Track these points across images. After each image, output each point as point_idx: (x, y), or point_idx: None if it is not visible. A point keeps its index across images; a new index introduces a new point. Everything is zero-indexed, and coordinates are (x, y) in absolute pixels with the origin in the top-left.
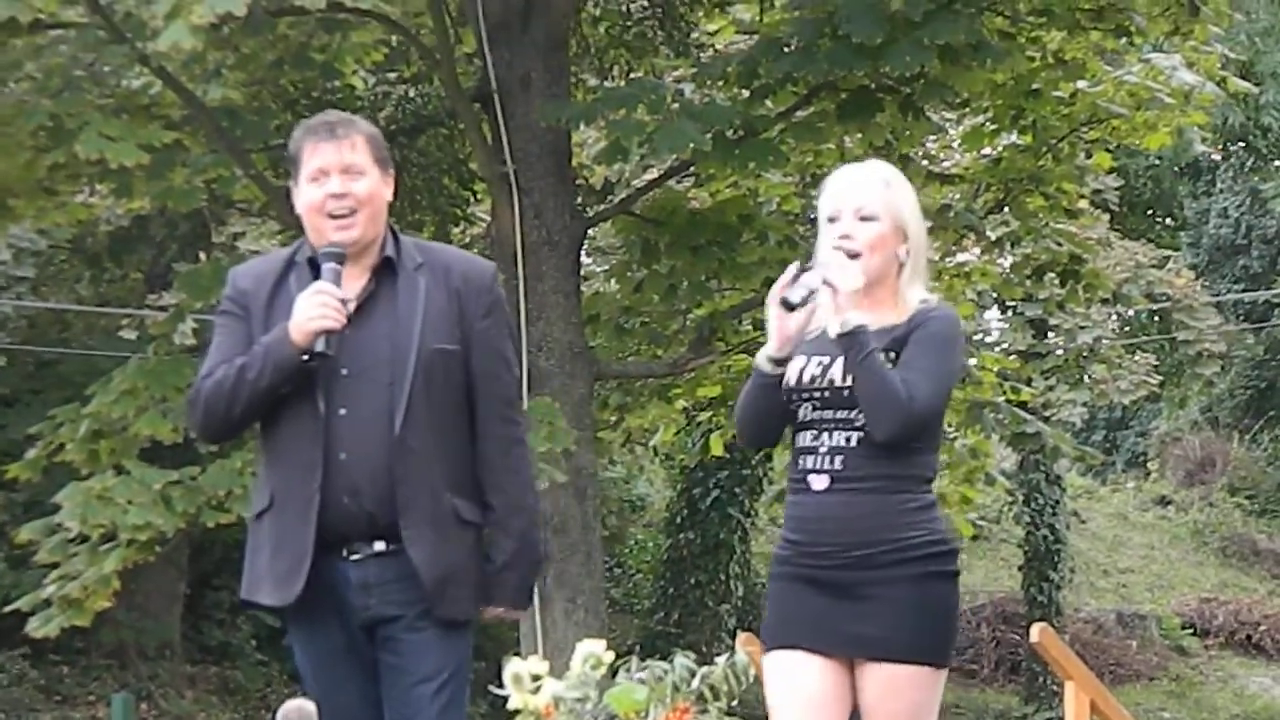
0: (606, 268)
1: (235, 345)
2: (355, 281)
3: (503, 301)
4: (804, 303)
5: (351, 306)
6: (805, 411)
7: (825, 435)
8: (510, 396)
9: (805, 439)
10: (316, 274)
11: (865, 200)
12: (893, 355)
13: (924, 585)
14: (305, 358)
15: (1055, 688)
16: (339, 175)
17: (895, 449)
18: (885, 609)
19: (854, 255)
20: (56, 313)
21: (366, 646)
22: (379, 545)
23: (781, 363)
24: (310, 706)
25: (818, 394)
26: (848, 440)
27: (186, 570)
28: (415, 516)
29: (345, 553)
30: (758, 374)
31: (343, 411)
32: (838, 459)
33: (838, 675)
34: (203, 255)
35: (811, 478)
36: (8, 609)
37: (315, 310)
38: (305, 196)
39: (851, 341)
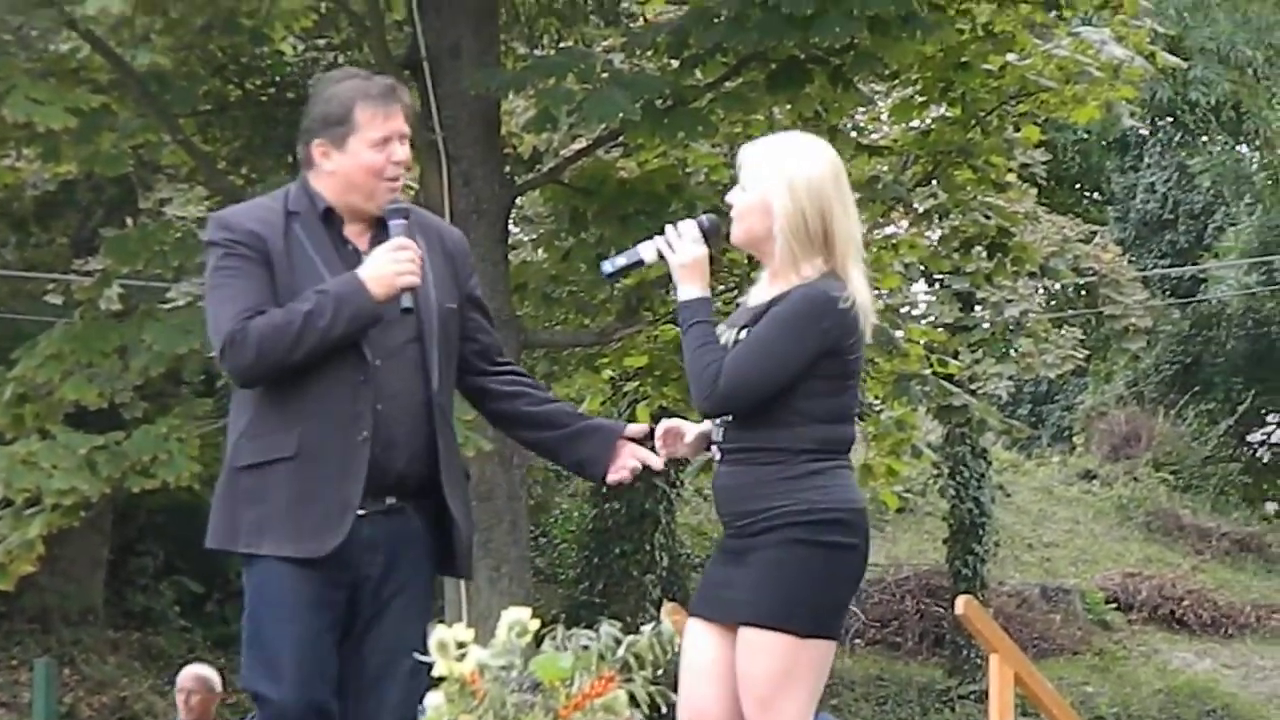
0: (534, 237)
1: (262, 288)
2: (358, 237)
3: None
4: (620, 272)
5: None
6: None
7: None
8: (500, 347)
9: None
10: (330, 226)
11: (744, 168)
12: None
13: (787, 551)
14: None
15: (979, 661)
16: (398, 142)
17: (760, 422)
18: (751, 575)
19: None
20: None
21: (346, 609)
22: (389, 500)
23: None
24: (209, 673)
25: None
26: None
27: (110, 536)
28: (451, 471)
29: (359, 507)
30: None
31: (378, 363)
32: (722, 431)
33: (726, 642)
34: (129, 220)
35: (714, 448)
36: None
37: (403, 266)
38: (364, 159)
39: (678, 314)
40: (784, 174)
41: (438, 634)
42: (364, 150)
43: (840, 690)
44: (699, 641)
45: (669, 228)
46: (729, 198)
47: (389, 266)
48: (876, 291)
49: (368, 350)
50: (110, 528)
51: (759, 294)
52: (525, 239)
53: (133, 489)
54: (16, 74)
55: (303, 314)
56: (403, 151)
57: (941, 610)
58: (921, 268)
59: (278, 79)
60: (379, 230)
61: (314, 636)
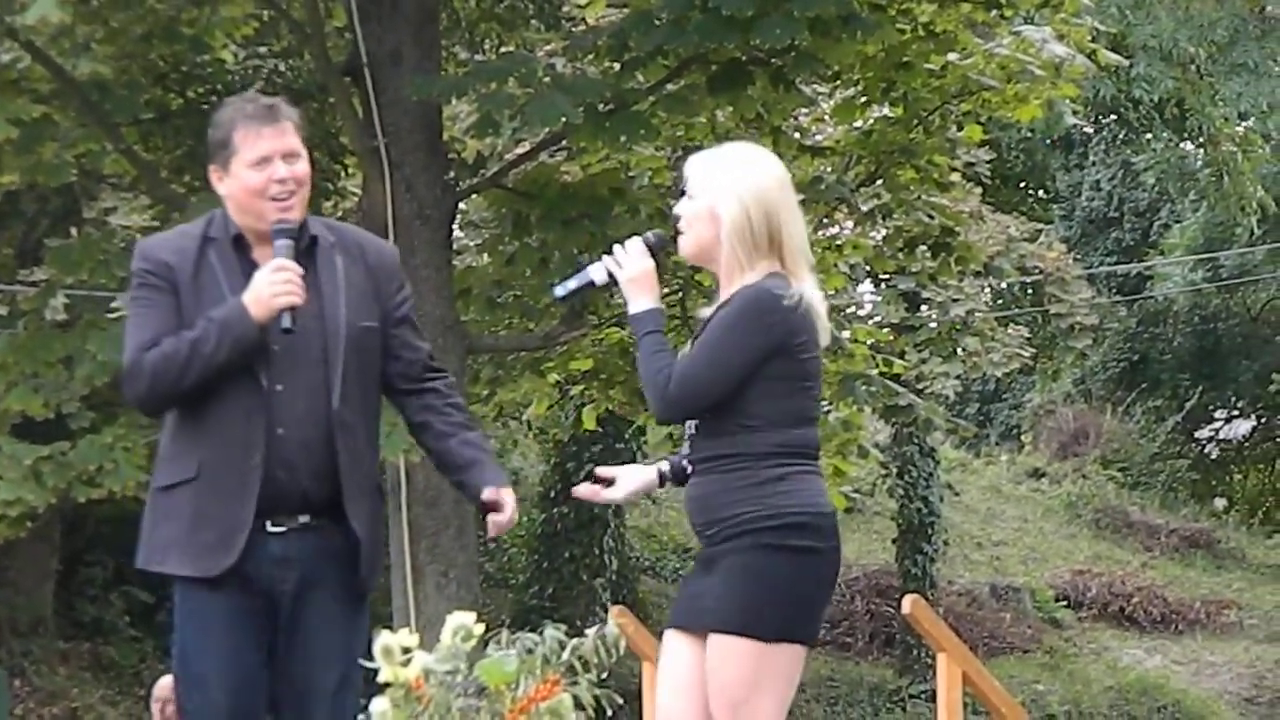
0: (479, 241)
1: (166, 318)
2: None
3: (406, 281)
4: (572, 294)
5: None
6: None
7: (689, 422)
8: (428, 360)
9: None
10: (240, 251)
11: (689, 178)
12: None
13: (751, 557)
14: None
15: (929, 660)
16: (280, 161)
17: (723, 431)
18: (719, 581)
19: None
20: None
21: (266, 622)
22: (302, 518)
23: None
24: None
25: None
26: (693, 426)
27: (59, 546)
28: (354, 490)
29: (268, 525)
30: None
31: (279, 387)
32: (689, 444)
33: (701, 650)
34: (74, 230)
35: (685, 461)
36: None
37: (280, 286)
38: (245, 180)
39: (631, 326)
40: (729, 180)
41: (382, 640)
42: (244, 171)
43: None
44: (675, 651)
45: (616, 247)
46: (677, 209)
47: (266, 288)
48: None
49: (263, 376)
50: (59, 538)
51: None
52: (470, 244)
53: (79, 499)
54: None
55: (189, 342)
56: (286, 169)
57: (891, 610)
58: (866, 268)
59: (219, 87)
60: (298, 254)
61: (235, 651)
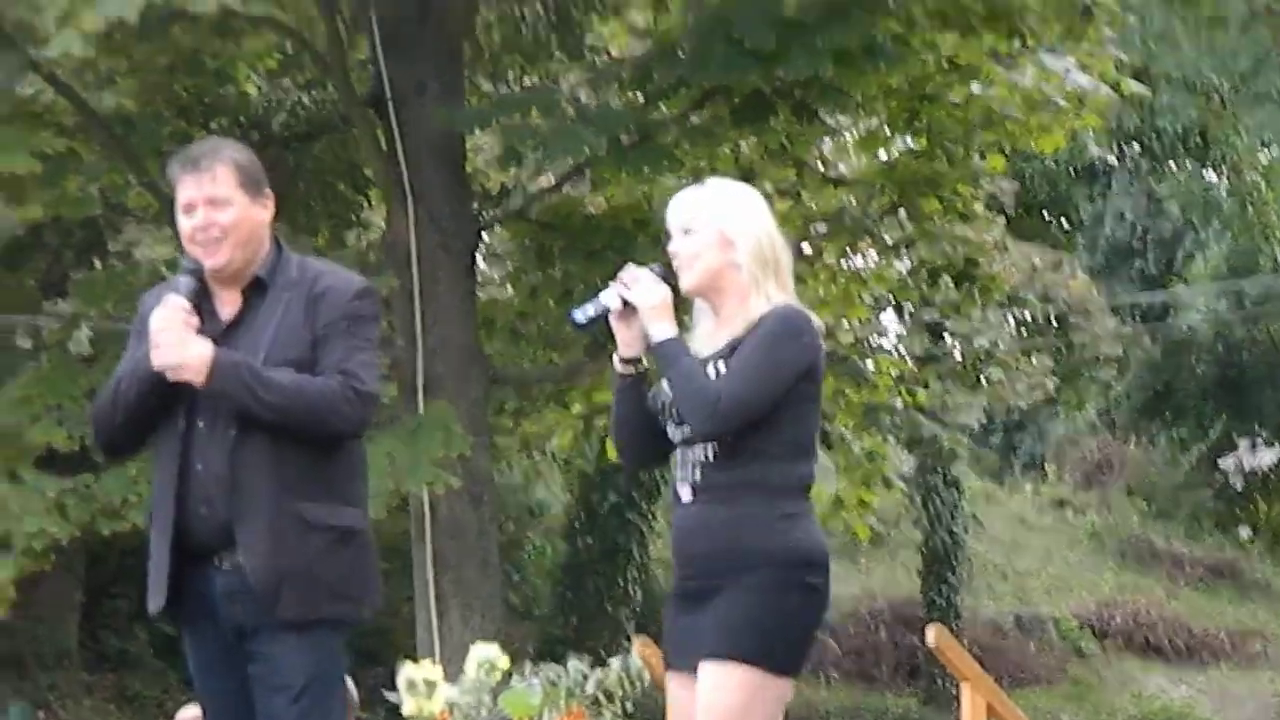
0: (503, 274)
1: (130, 361)
2: (232, 304)
3: (364, 316)
4: (592, 322)
5: (223, 325)
6: (671, 431)
7: (689, 450)
8: (337, 372)
9: (676, 456)
10: (206, 295)
11: (684, 215)
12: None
13: (761, 592)
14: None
15: (954, 691)
16: (203, 207)
17: (746, 457)
18: (720, 611)
19: (676, 270)
20: None
21: (240, 658)
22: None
23: (631, 362)
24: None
25: (675, 412)
26: (706, 454)
27: (84, 578)
28: (249, 523)
29: (217, 561)
30: (614, 379)
31: (200, 424)
32: (698, 470)
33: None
34: (98, 263)
35: (680, 488)
36: None
37: (161, 323)
38: (180, 225)
39: (657, 353)
40: (735, 208)
41: (405, 671)
42: (179, 217)
43: None
44: (678, 694)
45: (626, 269)
46: (672, 248)
47: (152, 324)
48: (844, 324)
49: (182, 415)
50: (83, 571)
51: (716, 335)
52: (495, 276)
53: (103, 531)
54: None
55: (115, 381)
56: (203, 216)
57: (916, 640)
58: (890, 299)
59: (242, 119)
60: (247, 294)
61: (220, 693)
